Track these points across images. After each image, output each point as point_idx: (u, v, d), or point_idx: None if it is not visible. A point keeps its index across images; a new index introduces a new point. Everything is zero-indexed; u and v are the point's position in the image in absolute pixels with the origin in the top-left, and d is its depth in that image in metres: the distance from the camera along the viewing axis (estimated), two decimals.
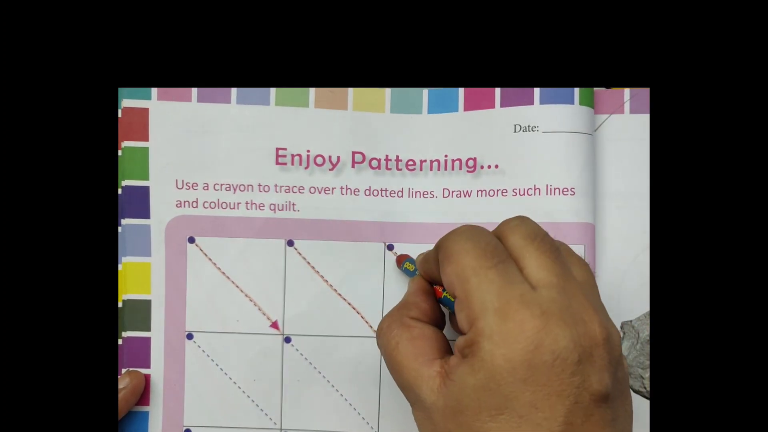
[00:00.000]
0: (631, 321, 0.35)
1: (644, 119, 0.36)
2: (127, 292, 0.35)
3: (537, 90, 0.35)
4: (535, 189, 0.35)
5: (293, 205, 0.35)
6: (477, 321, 0.24)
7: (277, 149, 0.35)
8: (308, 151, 0.35)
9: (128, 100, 0.35)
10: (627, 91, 0.36)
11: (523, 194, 0.35)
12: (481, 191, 0.36)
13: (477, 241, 0.25)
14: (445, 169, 0.36)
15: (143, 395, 0.35)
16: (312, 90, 0.35)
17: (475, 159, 0.36)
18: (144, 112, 0.35)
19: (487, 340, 0.23)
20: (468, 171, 0.36)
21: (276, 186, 0.35)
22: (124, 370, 0.35)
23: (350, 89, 0.35)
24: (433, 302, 0.30)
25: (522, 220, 0.27)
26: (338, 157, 0.35)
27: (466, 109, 0.36)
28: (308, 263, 0.35)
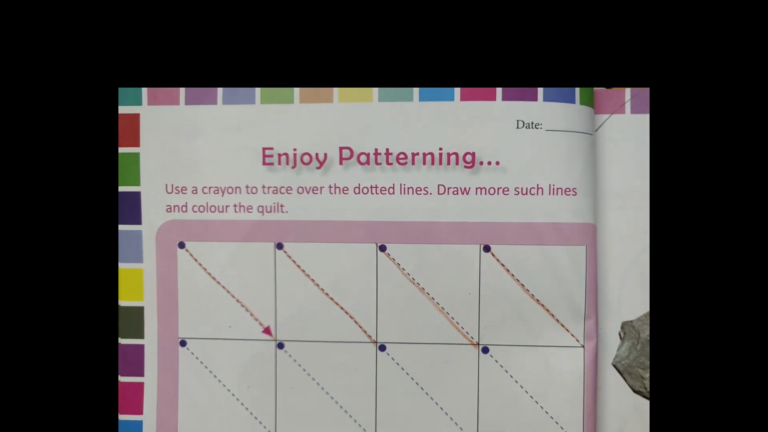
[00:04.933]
0: (631, 321, 0.33)
1: (644, 119, 0.35)
2: (121, 299, 0.35)
3: (540, 89, 0.33)
4: (537, 188, 0.33)
5: (281, 206, 0.34)
6: None
7: (264, 149, 0.34)
8: (294, 149, 0.34)
9: (121, 107, 0.35)
10: (627, 90, 0.35)
11: (526, 193, 0.33)
12: (480, 189, 0.34)
13: None
14: (440, 163, 0.34)
15: (136, 404, 0.35)
16: (297, 89, 0.34)
17: (473, 154, 0.34)
18: (135, 118, 0.35)
19: None
20: (466, 166, 0.34)
21: (264, 187, 0.34)
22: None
23: (335, 89, 0.34)
24: None
25: None
26: (325, 154, 0.34)
27: (462, 99, 0.34)
28: (298, 266, 0.34)
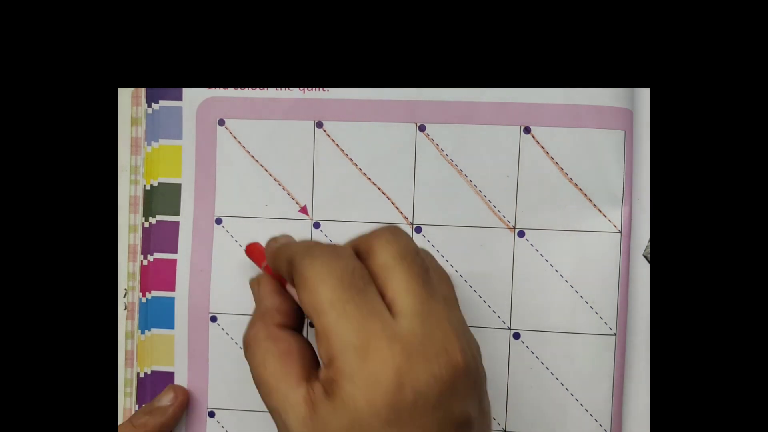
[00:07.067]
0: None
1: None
2: (158, 176, 0.35)
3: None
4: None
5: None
6: (336, 360, 0.23)
7: None
8: None
9: None
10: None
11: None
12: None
13: (333, 268, 0.24)
14: None
15: (169, 280, 0.35)
16: None
17: None
18: None
19: (348, 381, 0.22)
20: None
21: None
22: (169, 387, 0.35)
23: None
24: (292, 300, 0.28)
25: (394, 235, 0.25)
26: None
27: None
28: (337, 145, 0.34)
